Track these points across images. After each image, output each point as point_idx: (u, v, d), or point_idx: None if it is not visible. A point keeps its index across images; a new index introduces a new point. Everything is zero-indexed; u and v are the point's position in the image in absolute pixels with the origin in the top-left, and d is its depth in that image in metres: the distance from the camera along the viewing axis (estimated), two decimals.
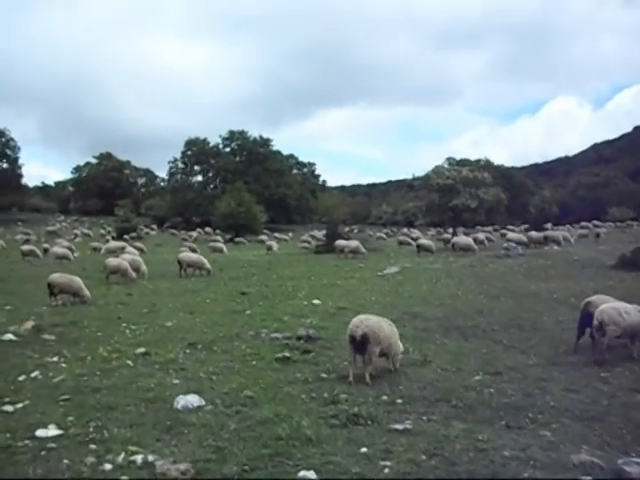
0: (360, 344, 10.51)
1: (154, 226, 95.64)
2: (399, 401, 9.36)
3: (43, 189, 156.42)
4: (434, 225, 74.85)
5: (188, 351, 12.66)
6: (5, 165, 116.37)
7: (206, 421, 8.16)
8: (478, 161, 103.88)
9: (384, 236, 71.76)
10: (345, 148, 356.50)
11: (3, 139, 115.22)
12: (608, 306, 12.43)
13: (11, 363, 11.45)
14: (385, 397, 9.55)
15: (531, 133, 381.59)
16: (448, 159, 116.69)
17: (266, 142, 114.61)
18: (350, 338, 10.65)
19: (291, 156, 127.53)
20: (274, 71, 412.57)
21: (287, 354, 12.16)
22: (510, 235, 44.11)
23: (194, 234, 77.38)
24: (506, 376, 11.01)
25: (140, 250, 46.83)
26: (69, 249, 39.34)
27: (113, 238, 66.51)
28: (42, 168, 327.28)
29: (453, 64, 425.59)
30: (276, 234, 77.68)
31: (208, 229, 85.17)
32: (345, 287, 23.08)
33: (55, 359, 11.89)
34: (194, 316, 16.88)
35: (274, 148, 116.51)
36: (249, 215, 74.51)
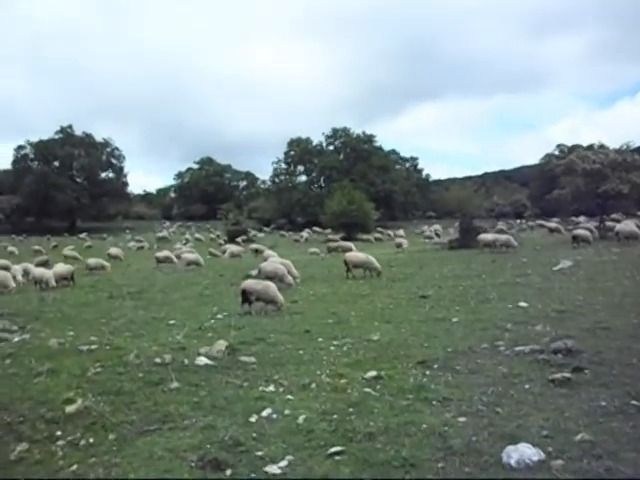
0: None
1: (266, 228, 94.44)
2: None
3: (145, 197, 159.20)
4: (576, 214, 69.96)
5: (428, 372, 10.09)
6: (111, 174, 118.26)
7: None
8: (591, 146, 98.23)
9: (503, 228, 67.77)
10: (437, 142, 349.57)
11: (108, 149, 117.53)
12: None
13: (225, 396, 9.16)
14: None
15: (632, 115, 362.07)
16: (559, 146, 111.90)
17: (370, 138, 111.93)
18: None
19: (393, 151, 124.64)
20: (366, 69, 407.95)
21: (566, 374, 9.40)
22: None
23: (304, 234, 75.59)
24: None
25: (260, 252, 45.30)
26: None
27: (225, 242, 65.50)
28: (142, 177, 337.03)
29: (547, 50, 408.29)
30: (389, 231, 75.03)
31: (316, 229, 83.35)
32: (532, 286, 20.07)
33: (271, 388, 9.55)
34: (394, 326, 14.37)
35: (377, 144, 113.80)
36: (361, 213, 72.09)
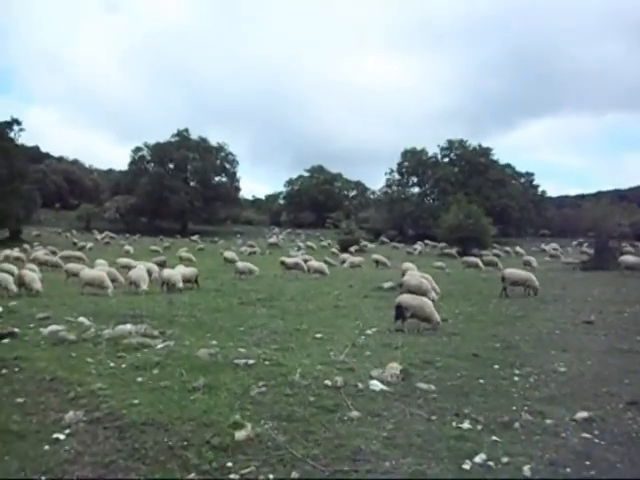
0: None
1: (381, 239, 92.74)
2: None
3: (254, 202, 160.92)
4: None
5: None
6: (224, 179, 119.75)
7: None
8: None
9: None
10: (548, 158, 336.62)
11: (222, 153, 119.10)
12: None
13: (417, 432, 7.78)
14: None
15: None
16: None
17: (486, 151, 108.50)
18: None
19: (508, 166, 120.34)
20: (474, 81, 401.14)
21: None
22: None
23: (418, 247, 73.71)
24: None
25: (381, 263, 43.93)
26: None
27: (339, 251, 64.45)
28: (249, 184, 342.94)
29: None
30: (507, 248, 72.14)
31: (428, 242, 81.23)
32: None
33: (467, 425, 8.11)
34: (574, 356, 12.67)
35: (494, 158, 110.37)
36: (478, 227, 69.53)
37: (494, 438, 7.60)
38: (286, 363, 10.63)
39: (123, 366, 10.76)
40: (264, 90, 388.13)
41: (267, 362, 10.70)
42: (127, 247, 59.83)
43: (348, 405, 8.59)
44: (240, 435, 7.41)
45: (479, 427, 8.06)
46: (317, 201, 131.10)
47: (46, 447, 7.45)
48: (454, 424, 8.13)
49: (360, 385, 9.47)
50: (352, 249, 64.62)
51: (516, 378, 10.67)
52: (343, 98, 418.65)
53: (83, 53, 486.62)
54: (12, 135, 76.36)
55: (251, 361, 10.60)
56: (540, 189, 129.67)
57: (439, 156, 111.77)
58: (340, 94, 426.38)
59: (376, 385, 9.50)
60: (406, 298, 16.29)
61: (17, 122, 76.08)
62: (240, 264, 34.69)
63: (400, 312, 15.92)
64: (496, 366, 11.59)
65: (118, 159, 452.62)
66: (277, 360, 10.87)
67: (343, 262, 44.30)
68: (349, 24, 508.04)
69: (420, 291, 19.86)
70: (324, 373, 10.06)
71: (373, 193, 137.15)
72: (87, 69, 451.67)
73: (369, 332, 15.41)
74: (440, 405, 8.93)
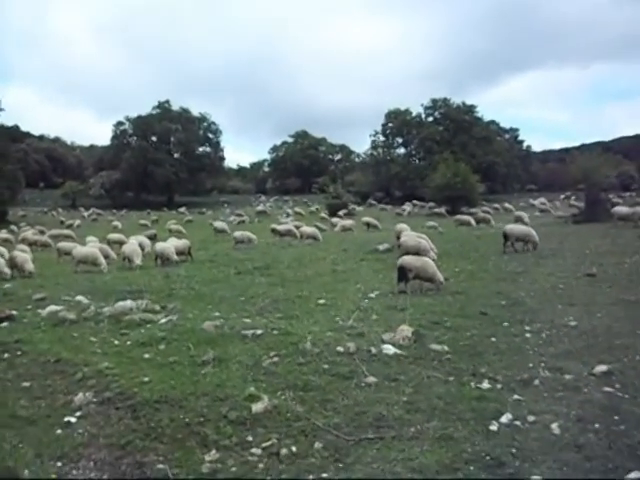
0: None
1: (368, 201, 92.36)
2: None
3: (239, 171, 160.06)
4: None
5: None
6: (208, 149, 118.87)
7: None
8: None
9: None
10: (532, 112, 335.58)
11: (205, 123, 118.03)
12: None
13: (437, 394, 7.65)
14: None
15: None
16: None
17: (470, 109, 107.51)
18: None
19: (493, 122, 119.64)
20: (457, 39, 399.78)
21: None
22: None
23: (407, 208, 73.49)
24: None
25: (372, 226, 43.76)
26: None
27: (328, 215, 64.08)
28: (233, 153, 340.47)
29: None
30: (496, 205, 71.99)
31: (416, 202, 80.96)
32: None
33: (487, 385, 7.99)
34: (582, 309, 12.55)
35: (479, 115, 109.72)
36: (466, 186, 69.19)
37: (516, 397, 7.47)
38: (295, 331, 10.43)
39: (128, 343, 10.54)
40: (245, 58, 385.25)
41: (275, 331, 10.50)
42: (115, 223, 59.20)
43: (363, 371, 8.43)
44: (257, 408, 7.25)
45: (499, 386, 7.94)
46: (302, 166, 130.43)
47: (58, 431, 7.26)
48: (473, 384, 8.00)
49: (373, 350, 9.30)
50: (341, 213, 64.26)
51: (528, 335, 10.53)
52: (325, 62, 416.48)
53: (59, 29, 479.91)
54: None
55: (259, 331, 10.40)
56: (525, 144, 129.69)
57: (423, 115, 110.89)
58: (322, 59, 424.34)
59: (389, 349, 9.33)
60: (408, 259, 16.06)
61: None
62: (238, 233, 33.80)
63: (403, 274, 15.70)
64: (505, 323, 11.45)
65: (100, 135, 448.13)
66: (285, 329, 10.67)
67: (334, 226, 44.01)
68: None
69: (419, 251, 19.59)
70: (335, 339, 9.87)
71: (358, 156, 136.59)
72: (63, 45, 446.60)
73: (372, 295, 15.23)
74: (455, 366, 8.79)
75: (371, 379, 8.11)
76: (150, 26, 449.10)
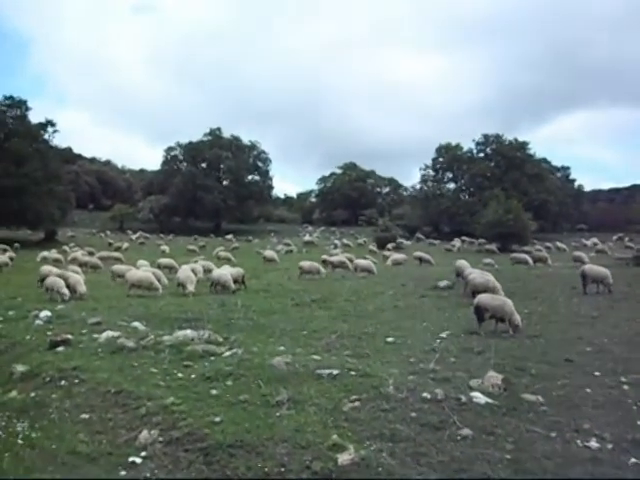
0: None
1: (416, 236, 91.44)
2: None
3: (286, 201, 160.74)
4: None
5: None
6: (257, 177, 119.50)
7: None
8: None
9: None
10: (581, 151, 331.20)
11: (255, 152, 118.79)
12: None
13: (544, 453, 6.79)
14: None
15: None
16: None
17: (522, 145, 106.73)
18: None
19: (544, 160, 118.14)
20: (509, 75, 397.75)
21: None
22: None
23: (456, 244, 72.23)
24: None
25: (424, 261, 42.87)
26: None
27: (376, 248, 63.34)
28: (280, 182, 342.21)
29: None
30: (548, 244, 70.49)
31: (465, 238, 79.70)
32: None
33: (595, 444, 7.09)
34: None
35: (530, 152, 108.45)
36: (518, 223, 67.92)
37: (634, 460, 6.59)
38: (374, 373, 9.61)
39: (192, 377, 9.89)
40: (295, 88, 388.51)
41: (353, 372, 9.68)
42: (163, 247, 59.31)
43: (455, 421, 7.62)
44: (343, 459, 6.54)
45: (609, 446, 7.07)
46: (350, 198, 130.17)
47: (122, 472, 6.71)
48: (579, 442, 7.14)
49: (463, 398, 8.45)
50: (389, 246, 63.52)
51: (625, 387, 9.58)
52: (375, 94, 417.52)
53: (114, 55, 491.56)
54: (46, 137, 76.47)
55: (335, 371, 9.62)
56: (576, 183, 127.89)
57: (474, 151, 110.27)
58: (372, 90, 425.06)
59: (479, 397, 8.49)
60: (485, 298, 15.21)
61: (51, 124, 76.06)
62: (306, 263, 32.66)
63: (479, 314, 14.85)
64: (597, 373, 10.51)
65: (150, 160, 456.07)
66: (363, 370, 9.85)
67: (385, 260, 43.26)
68: (381, 21, 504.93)
69: (487, 289, 18.69)
70: (419, 384, 9.05)
71: (406, 190, 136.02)
72: (118, 71, 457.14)
73: (443, 335, 14.33)
74: (554, 419, 7.92)
75: (466, 431, 7.30)
76: (203, 55, 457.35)
